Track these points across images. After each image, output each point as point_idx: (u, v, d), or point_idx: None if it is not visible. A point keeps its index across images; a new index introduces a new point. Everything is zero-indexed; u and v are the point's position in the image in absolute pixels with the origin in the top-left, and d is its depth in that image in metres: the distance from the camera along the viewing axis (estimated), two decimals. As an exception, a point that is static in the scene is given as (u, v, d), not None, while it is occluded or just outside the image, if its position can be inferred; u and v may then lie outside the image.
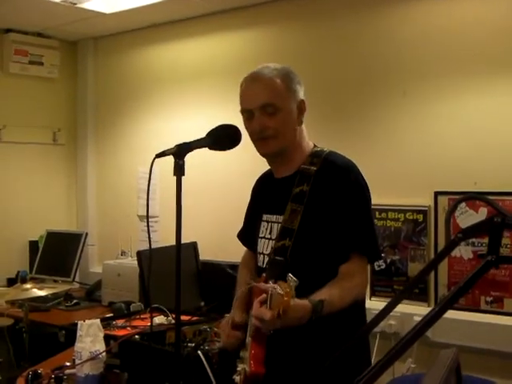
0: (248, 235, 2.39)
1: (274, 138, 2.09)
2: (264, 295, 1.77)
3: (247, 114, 2.12)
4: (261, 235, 2.22)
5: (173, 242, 1.88)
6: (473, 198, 2.98)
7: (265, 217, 2.22)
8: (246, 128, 2.13)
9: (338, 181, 2.05)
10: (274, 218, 2.16)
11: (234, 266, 2.57)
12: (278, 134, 2.08)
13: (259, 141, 2.11)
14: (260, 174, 2.40)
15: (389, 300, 3.57)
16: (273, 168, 2.25)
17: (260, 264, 2.20)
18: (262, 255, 2.20)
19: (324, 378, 1.96)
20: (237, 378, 2.03)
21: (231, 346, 2.14)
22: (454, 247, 0.88)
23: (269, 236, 2.17)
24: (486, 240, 2.92)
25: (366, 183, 2.11)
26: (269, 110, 2.07)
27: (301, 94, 2.14)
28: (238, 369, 2.02)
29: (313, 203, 2.05)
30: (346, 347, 1.68)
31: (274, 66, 2.14)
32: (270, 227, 2.18)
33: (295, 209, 2.06)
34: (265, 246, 2.18)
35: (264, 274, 2.06)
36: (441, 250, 0.90)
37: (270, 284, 1.75)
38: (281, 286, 1.67)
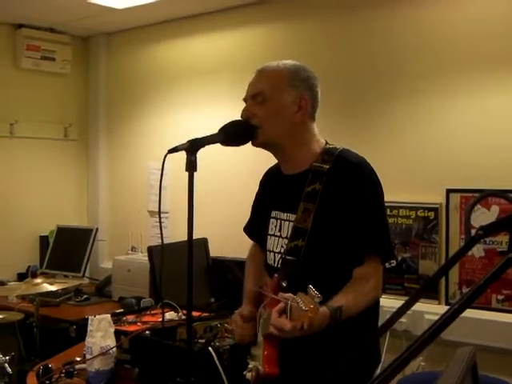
0: (255, 229, 2.37)
1: (259, 129, 2.06)
2: (282, 305, 1.76)
3: (245, 102, 2.14)
4: (270, 232, 2.20)
5: (182, 237, 1.88)
6: (493, 195, 2.96)
7: (274, 213, 2.19)
8: None
9: (351, 179, 2.02)
10: (284, 215, 2.14)
11: (242, 263, 2.57)
12: (263, 124, 2.06)
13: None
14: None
15: (399, 298, 3.57)
16: (280, 164, 2.23)
17: (270, 262, 2.19)
18: (272, 253, 2.18)
19: (336, 377, 1.95)
20: (248, 375, 2.03)
21: (244, 339, 2.14)
22: (474, 244, 0.87)
23: (278, 234, 2.15)
24: (498, 238, 2.89)
25: (379, 181, 2.08)
26: (258, 99, 2.07)
27: (302, 91, 2.09)
28: (250, 366, 2.02)
29: (326, 202, 2.02)
30: (360, 348, 1.68)
31: (286, 61, 2.13)
32: (279, 225, 2.16)
33: (308, 208, 2.03)
34: (274, 244, 2.16)
35: (276, 275, 2.05)
36: (461, 246, 0.89)
37: (289, 295, 1.74)
38: (304, 301, 1.64)
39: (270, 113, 2.06)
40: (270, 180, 2.33)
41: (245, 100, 2.14)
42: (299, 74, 2.11)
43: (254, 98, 2.09)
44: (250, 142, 2.12)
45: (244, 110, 2.11)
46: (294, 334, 1.72)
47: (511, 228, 0.80)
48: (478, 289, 0.79)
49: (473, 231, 0.91)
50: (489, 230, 0.84)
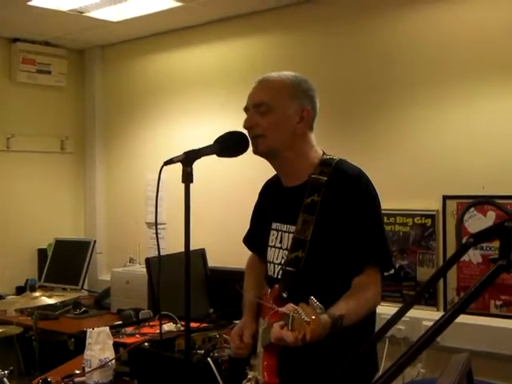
0: (255, 240, 2.38)
1: (262, 138, 2.08)
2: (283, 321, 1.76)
3: (246, 112, 2.14)
4: (270, 244, 2.20)
5: (180, 249, 1.88)
6: (483, 203, 2.96)
7: (274, 225, 2.21)
8: None
9: (348, 191, 2.04)
10: (284, 227, 2.15)
11: (241, 273, 2.58)
12: (267, 134, 2.07)
13: (251, 139, 2.11)
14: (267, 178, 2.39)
15: (398, 305, 3.57)
16: (280, 175, 2.24)
17: (271, 273, 2.19)
18: (272, 264, 2.19)
19: None
20: (247, 385, 2.03)
21: (240, 356, 2.14)
22: (465, 252, 0.88)
23: (279, 245, 2.16)
24: (495, 244, 2.90)
25: (376, 192, 2.10)
26: (261, 109, 2.08)
27: (305, 103, 2.12)
28: (249, 376, 2.02)
29: (325, 214, 2.04)
30: (355, 355, 1.68)
31: (287, 72, 2.15)
32: (280, 236, 2.17)
33: (307, 219, 2.05)
34: (275, 256, 2.17)
35: (277, 285, 2.06)
36: (451, 255, 0.90)
37: (291, 306, 1.74)
38: (306, 312, 1.64)
39: (273, 123, 2.08)
40: (269, 191, 2.34)
41: (246, 109, 2.15)
42: (301, 85, 2.13)
43: (256, 107, 2.10)
44: (252, 150, 2.13)
45: (247, 120, 2.12)
46: (296, 345, 1.72)
47: (501, 235, 0.81)
48: (470, 296, 0.80)
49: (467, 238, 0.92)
50: (479, 237, 0.85)
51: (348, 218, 2.02)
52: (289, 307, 1.75)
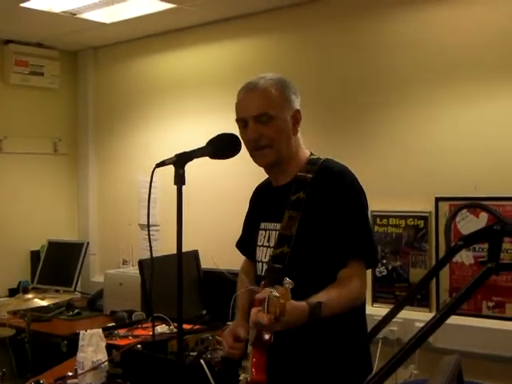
0: (247, 244, 2.39)
1: (269, 148, 2.09)
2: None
3: (242, 123, 2.13)
4: (259, 243, 2.22)
5: (173, 250, 1.89)
6: (472, 206, 2.98)
7: (262, 225, 2.22)
8: (242, 137, 2.13)
9: (333, 186, 2.06)
10: (271, 225, 2.17)
11: (234, 274, 2.58)
12: (272, 143, 2.09)
13: (255, 151, 2.12)
14: (259, 182, 2.40)
15: (391, 306, 3.57)
16: (271, 177, 2.26)
17: (259, 272, 2.21)
18: (260, 263, 2.20)
19: None
20: (240, 387, 2.03)
21: (234, 356, 2.15)
22: (454, 254, 0.88)
23: (267, 244, 2.18)
24: (487, 245, 2.91)
25: (361, 188, 2.12)
26: (263, 120, 2.08)
27: (296, 104, 2.14)
28: (241, 378, 2.03)
29: (310, 210, 2.06)
30: (348, 354, 1.69)
31: (270, 76, 2.15)
32: (267, 235, 2.18)
33: (293, 216, 2.07)
34: (263, 254, 2.19)
35: (263, 282, 2.07)
36: (441, 257, 0.90)
37: (267, 289, 1.75)
38: (277, 290, 1.67)
39: (277, 131, 2.09)
40: (259, 195, 2.37)
41: (241, 120, 2.13)
42: (290, 87, 2.15)
43: (257, 118, 2.09)
44: (257, 163, 2.15)
45: (252, 133, 2.09)
46: (274, 327, 1.73)
47: (490, 238, 0.81)
48: (460, 298, 0.80)
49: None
50: (468, 240, 0.85)
51: (333, 213, 2.03)
52: (265, 292, 1.76)
